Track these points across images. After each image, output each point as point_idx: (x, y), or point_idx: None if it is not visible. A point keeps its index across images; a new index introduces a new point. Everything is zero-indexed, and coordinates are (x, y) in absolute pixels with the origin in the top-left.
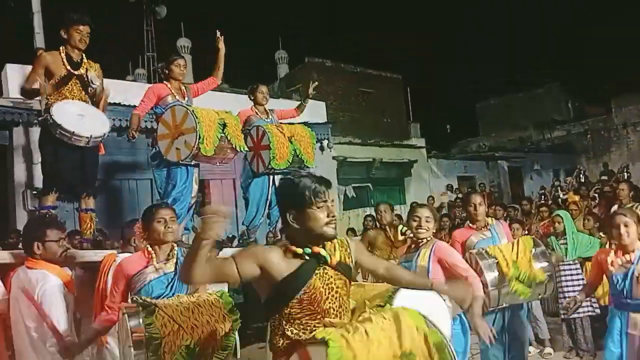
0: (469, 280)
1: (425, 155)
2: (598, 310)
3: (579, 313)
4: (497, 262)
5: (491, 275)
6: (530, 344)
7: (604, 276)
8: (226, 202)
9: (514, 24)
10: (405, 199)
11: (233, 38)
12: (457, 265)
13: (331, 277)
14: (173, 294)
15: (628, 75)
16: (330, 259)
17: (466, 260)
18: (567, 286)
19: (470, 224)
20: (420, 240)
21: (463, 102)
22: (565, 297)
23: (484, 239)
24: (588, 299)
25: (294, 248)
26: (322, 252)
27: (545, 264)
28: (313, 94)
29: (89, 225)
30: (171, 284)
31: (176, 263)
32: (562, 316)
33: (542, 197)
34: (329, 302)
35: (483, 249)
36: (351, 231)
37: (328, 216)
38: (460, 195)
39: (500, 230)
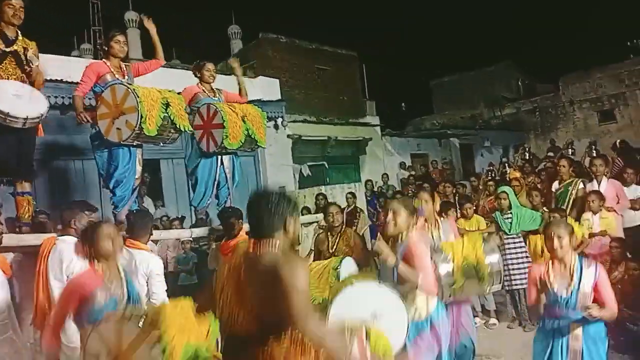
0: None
1: (380, 133)
2: None
3: (521, 285)
4: (449, 258)
5: (444, 269)
6: (476, 316)
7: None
8: (177, 181)
9: (468, 1)
10: (360, 177)
11: (185, 12)
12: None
13: None
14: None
15: (576, 53)
16: None
17: None
18: (511, 259)
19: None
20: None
21: (418, 80)
22: (509, 270)
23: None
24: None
25: None
26: None
27: (495, 258)
28: (251, 71)
29: (26, 209)
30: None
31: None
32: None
33: (490, 173)
34: None
35: (436, 245)
36: (306, 210)
37: None
38: (413, 173)
39: (447, 228)
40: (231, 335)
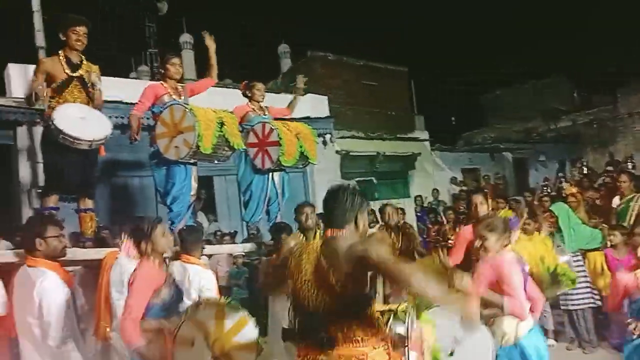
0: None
1: (429, 148)
2: (599, 302)
3: (580, 305)
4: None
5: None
6: None
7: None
8: (230, 197)
9: (519, 14)
10: (410, 192)
11: (235, 33)
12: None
13: None
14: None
15: (634, 64)
16: None
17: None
18: None
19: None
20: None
21: (468, 94)
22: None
23: None
24: (589, 290)
25: None
26: None
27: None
28: (305, 89)
29: (89, 224)
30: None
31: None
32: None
33: (545, 188)
34: None
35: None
36: None
37: None
38: (464, 188)
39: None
40: (308, 312)
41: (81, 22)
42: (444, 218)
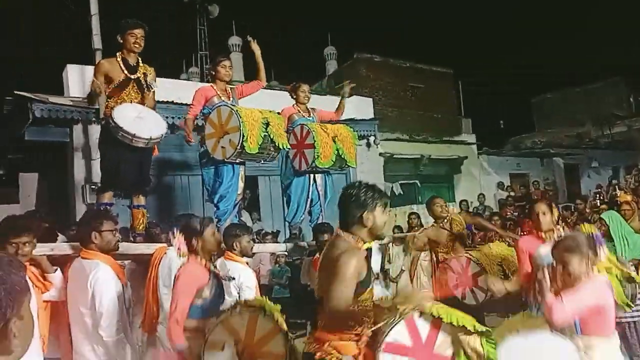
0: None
1: (476, 152)
2: None
3: (634, 317)
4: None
5: None
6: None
7: None
8: (273, 197)
9: (572, 15)
10: (455, 197)
11: (283, 35)
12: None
13: None
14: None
15: None
16: None
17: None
18: None
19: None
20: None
21: (518, 97)
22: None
23: None
24: None
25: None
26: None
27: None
28: (351, 93)
29: (140, 220)
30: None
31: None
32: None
33: (598, 196)
34: None
35: None
36: (397, 229)
37: None
38: (512, 194)
39: None
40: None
41: (138, 25)
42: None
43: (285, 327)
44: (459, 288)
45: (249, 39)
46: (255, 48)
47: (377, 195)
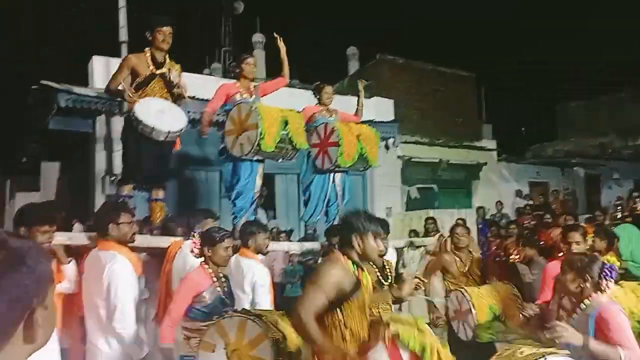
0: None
1: (496, 158)
2: None
3: None
4: None
5: None
6: None
7: None
8: (290, 195)
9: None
10: (472, 203)
11: (305, 34)
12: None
13: None
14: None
15: None
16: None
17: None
18: None
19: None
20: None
21: (541, 104)
22: None
23: None
24: None
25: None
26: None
27: None
28: (374, 92)
29: (158, 214)
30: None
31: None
32: None
33: (618, 208)
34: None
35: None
36: (413, 233)
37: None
38: (530, 202)
39: None
40: None
41: (167, 22)
42: (506, 232)
43: (276, 333)
44: (455, 320)
45: (275, 36)
46: (281, 46)
47: (371, 224)
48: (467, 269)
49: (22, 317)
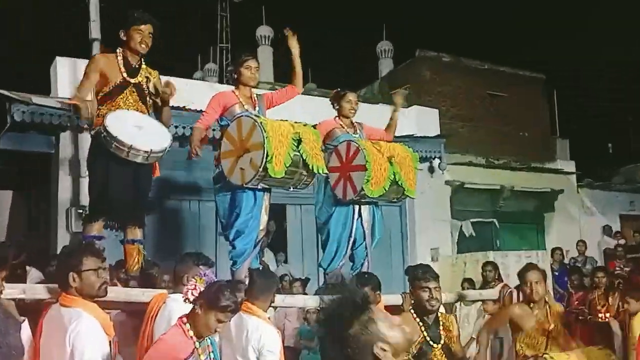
0: None
1: (576, 184)
2: None
3: None
4: None
5: None
6: None
7: None
8: (305, 232)
9: None
10: (545, 243)
11: (324, 27)
12: None
13: None
14: None
15: None
16: None
17: None
18: None
19: None
20: None
21: (631, 114)
22: None
23: None
24: None
25: None
26: None
27: None
28: (405, 103)
29: (135, 259)
30: None
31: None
32: None
33: None
34: None
35: None
36: (468, 282)
37: None
38: (622, 242)
39: None
40: None
41: (147, 20)
42: (591, 281)
43: None
44: None
45: (286, 32)
46: (294, 45)
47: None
48: (551, 325)
49: None
